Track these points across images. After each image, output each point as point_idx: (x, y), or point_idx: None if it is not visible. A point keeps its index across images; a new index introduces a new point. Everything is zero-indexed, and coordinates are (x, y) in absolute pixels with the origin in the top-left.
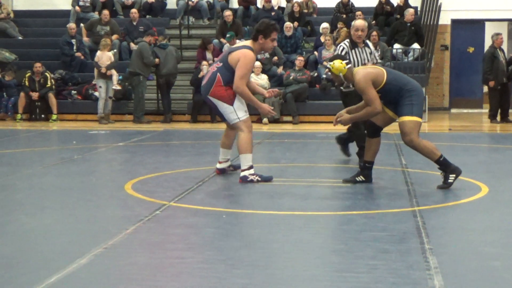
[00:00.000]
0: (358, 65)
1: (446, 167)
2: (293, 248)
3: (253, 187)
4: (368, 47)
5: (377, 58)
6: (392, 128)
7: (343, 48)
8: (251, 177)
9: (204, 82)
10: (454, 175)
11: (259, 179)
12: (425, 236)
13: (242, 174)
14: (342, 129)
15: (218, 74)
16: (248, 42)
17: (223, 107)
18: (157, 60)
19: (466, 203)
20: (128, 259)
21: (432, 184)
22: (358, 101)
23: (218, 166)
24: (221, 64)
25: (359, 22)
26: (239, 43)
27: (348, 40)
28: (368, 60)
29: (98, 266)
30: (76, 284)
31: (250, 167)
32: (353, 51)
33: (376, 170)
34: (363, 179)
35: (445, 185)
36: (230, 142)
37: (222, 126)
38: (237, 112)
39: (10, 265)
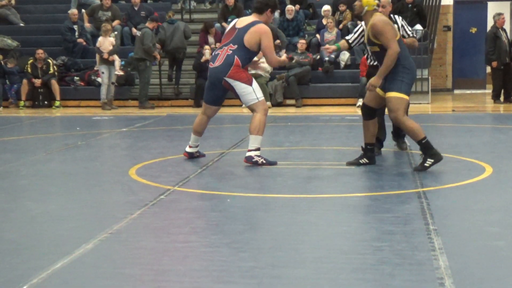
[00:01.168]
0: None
1: (427, 150)
2: (298, 231)
3: (257, 170)
4: (395, 22)
5: (409, 32)
6: None
7: (360, 26)
8: (256, 158)
9: (217, 63)
10: (432, 160)
11: (264, 161)
12: (429, 217)
13: (248, 154)
14: (349, 111)
15: (236, 57)
16: (254, 17)
17: (241, 87)
18: (157, 55)
19: (470, 184)
20: (134, 243)
21: (435, 165)
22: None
23: (187, 149)
24: (236, 46)
25: None
26: (242, 20)
27: None
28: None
29: (104, 251)
30: (82, 269)
31: (258, 149)
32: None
33: (379, 153)
34: (367, 161)
35: (421, 168)
36: (202, 130)
37: (226, 111)
38: (256, 92)
39: (16, 251)
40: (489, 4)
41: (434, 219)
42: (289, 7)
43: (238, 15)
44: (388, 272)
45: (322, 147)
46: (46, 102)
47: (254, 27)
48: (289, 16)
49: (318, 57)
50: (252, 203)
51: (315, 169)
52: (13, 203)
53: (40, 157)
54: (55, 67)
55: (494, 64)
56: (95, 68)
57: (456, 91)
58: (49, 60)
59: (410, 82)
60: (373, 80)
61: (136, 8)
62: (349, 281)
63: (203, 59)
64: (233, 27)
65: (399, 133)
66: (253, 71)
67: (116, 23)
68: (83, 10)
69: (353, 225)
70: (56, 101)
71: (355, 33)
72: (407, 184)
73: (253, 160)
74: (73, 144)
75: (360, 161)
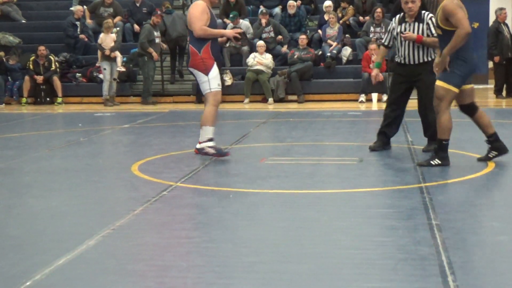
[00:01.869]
0: (405, 42)
1: (441, 151)
2: (300, 226)
3: (259, 166)
4: (422, 22)
5: (434, 32)
6: None
7: (391, 23)
8: (207, 149)
9: None
10: (439, 162)
11: (215, 152)
12: (432, 212)
13: (200, 146)
14: (352, 107)
15: (191, 46)
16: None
17: (198, 76)
18: (153, 53)
19: (472, 179)
20: (136, 239)
21: None
22: (407, 71)
23: (198, 146)
24: (189, 36)
25: None
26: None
27: (401, 14)
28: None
29: (106, 247)
30: (84, 265)
31: (210, 140)
32: (399, 26)
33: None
34: (496, 153)
35: (426, 164)
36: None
37: (227, 106)
38: (210, 82)
39: (19, 247)
40: None
41: (436, 214)
42: (291, 2)
43: (240, 11)
44: (391, 267)
45: (324, 142)
46: (48, 99)
47: (190, 8)
48: (290, 11)
49: (320, 52)
50: (255, 198)
51: (317, 164)
52: (16, 200)
53: (42, 153)
54: (57, 63)
55: (497, 59)
56: (97, 65)
57: None
58: (51, 57)
59: (463, 75)
60: (437, 59)
61: (138, 4)
62: (351, 276)
63: None
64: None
65: (388, 142)
66: (255, 67)
67: (117, 19)
68: (84, 7)
69: (355, 220)
70: (58, 98)
71: (388, 32)
72: (410, 179)
73: (204, 151)
74: (75, 140)
75: (489, 155)
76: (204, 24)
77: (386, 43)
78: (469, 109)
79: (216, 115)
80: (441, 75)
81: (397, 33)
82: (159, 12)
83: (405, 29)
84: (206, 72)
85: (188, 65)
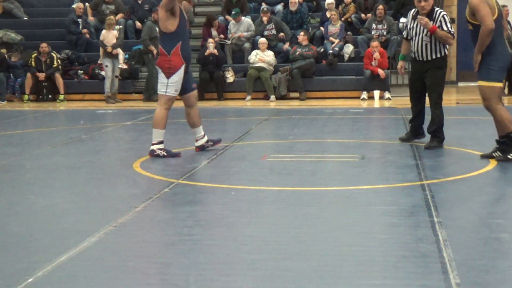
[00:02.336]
0: (415, 38)
1: (508, 146)
2: (302, 223)
3: (261, 163)
4: (434, 19)
5: (444, 28)
6: (400, 103)
7: (408, 17)
8: (158, 151)
9: None
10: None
11: (165, 154)
12: (434, 210)
13: (151, 148)
14: (353, 104)
15: (160, 46)
16: None
17: (160, 76)
18: (154, 50)
19: (474, 176)
20: (138, 236)
21: (439, 157)
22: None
23: (196, 144)
24: (160, 36)
25: None
26: None
27: (415, 9)
28: (424, 35)
29: (109, 244)
30: (87, 262)
31: (160, 142)
32: (412, 21)
33: (383, 144)
34: (500, 154)
35: (503, 158)
36: (196, 119)
37: (229, 104)
38: (168, 86)
39: (22, 244)
40: None
41: (438, 211)
42: None
43: (242, 8)
44: (393, 264)
45: (326, 140)
46: (50, 96)
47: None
48: (292, 8)
49: (322, 49)
50: (256, 196)
51: (319, 162)
52: (18, 197)
53: (44, 150)
54: (59, 60)
55: None
56: (99, 62)
57: (461, 84)
58: (53, 54)
59: (499, 68)
60: (475, 57)
61: (139, 1)
62: (353, 273)
63: (207, 52)
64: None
65: (418, 132)
66: (257, 64)
67: (119, 16)
68: (86, 4)
69: (357, 217)
70: (60, 95)
71: (406, 26)
72: (412, 177)
73: (155, 153)
74: (77, 137)
75: (494, 153)
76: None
77: (405, 36)
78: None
79: (166, 118)
80: (479, 75)
81: (410, 28)
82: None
83: (417, 25)
84: (169, 75)
85: (156, 64)
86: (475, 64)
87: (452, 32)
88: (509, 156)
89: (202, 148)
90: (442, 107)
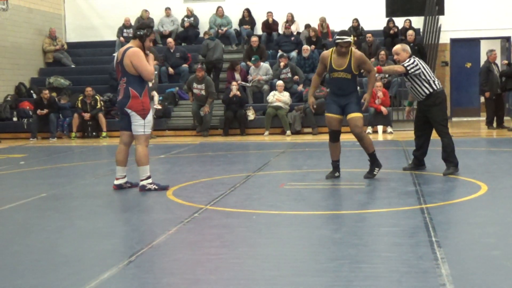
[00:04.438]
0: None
1: (375, 160)
2: (315, 243)
3: (279, 191)
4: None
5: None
6: (401, 136)
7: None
8: (149, 186)
9: (120, 97)
10: (378, 169)
11: (156, 187)
12: (432, 230)
13: (141, 183)
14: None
15: (131, 88)
16: (130, 43)
17: (135, 118)
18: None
19: (468, 201)
20: (171, 256)
21: (436, 184)
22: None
23: (116, 182)
24: (125, 78)
25: (394, 48)
26: (119, 52)
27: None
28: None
29: (145, 263)
30: (125, 279)
31: (148, 177)
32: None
33: (387, 173)
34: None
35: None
36: (125, 159)
37: (250, 138)
38: (145, 126)
39: (69, 263)
40: (482, 41)
41: (436, 232)
42: (305, 47)
43: (261, 55)
44: (397, 279)
45: None
46: (94, 133)
47: (126, 54)
48: (305, 55)
49: None
50: (275, 219)
51: (330, 189)
52: (66, 222)
53: (89, 181)
54: (102, 102)
55: (487, 94)
56: None
57: (454, 119)
58: (97, 97)
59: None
60: (367, 98)
61: (172, 50)
62: None
63: (231, 93)
64: (117, 62)
65: (420, 163)
66: (275, 104)
67: (154, 63)
68: None
69: (364, 237)
70: (103, 132)
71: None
72: (412, 201)
73: (146, 188)
74: None
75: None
76: (149, 67)
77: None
78: (336, 137)
79: (148, 154)
80: (357, 109)
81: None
82: (199, 65)
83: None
84: (144, 116)
85: (125, 106)
86: (367, 103)
87: (406, 68)
88: (374, 173)
89: (119, 187)
90: (450, 135)
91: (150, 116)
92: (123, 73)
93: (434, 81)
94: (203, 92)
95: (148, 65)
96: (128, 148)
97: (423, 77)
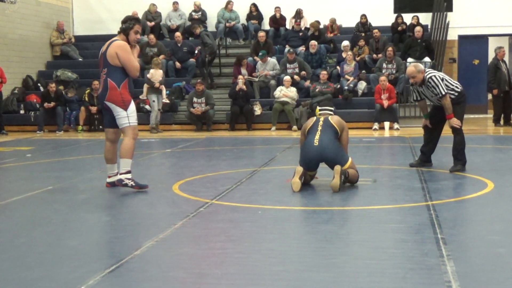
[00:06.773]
0: (427, 99)
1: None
2: (321, 239)
3: (284, 186)
4: (429, 88)
5: (441, 92)
6: (408, 133)
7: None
8: (126, 181)
9: (100, 91)
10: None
11: (133, 184)
12: (438, 227)
13: (120, 177)
14: (366, 134)
15: (109, 79)
16: (117, 37)
17: (116, 111)
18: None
19: (474, 198)
20: (177, 250)
21: (443, 181)
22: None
23: (108, 180)
24: (106, 69)
25: (407, 70)
26: (106, 44)
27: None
28: (432, 96)
29: (151, 257)
30: (132, 272)
31: (128, 172)
32: (419, 87)
33: (393, 169)
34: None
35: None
36: (114, 157)
37: (256, 133)
38: (129, 117)
39: (76, 255)
40: (490, 38)
41: (442, 229)
42: (312, 42)
43: (268, 50)
44: (402, 276)
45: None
46: (100, 127)
47: (112, 44)
48: (312, 50)
49: (338, 86)
50: (280, 214)
51: None
52: (72, 215)
53: (95, 174)
54: None
55: (495, 92)
56: (141, 97)
57: None
58: None
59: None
60: None
61: (179, 45)
62: (367, 284)
63: (237, 88)
64: (101, 53)
65: (427, 160)
66: (281, 99)
67: (161, 57)
68: None
69: (370, 234)
70: None
71: (413, 92)
72: (418, 198)
73: (123, 182)
74: None
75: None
76: (134, 60)
77: (415, 99)
78: None
79: (134, 148)
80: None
81: (418, 92)
82: (199, 80)
83: (423, 91)
84: (125, 107)
85: (104, 99)
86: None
87: (446, 91)
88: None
89: (113, 185)
90: (463, 133)
91: (132, 106)
92: (104, 64)
93: (456, 85)
94: (203, 106)
95: (135, 61)
96: (116, 145)
97: (450, 86)
